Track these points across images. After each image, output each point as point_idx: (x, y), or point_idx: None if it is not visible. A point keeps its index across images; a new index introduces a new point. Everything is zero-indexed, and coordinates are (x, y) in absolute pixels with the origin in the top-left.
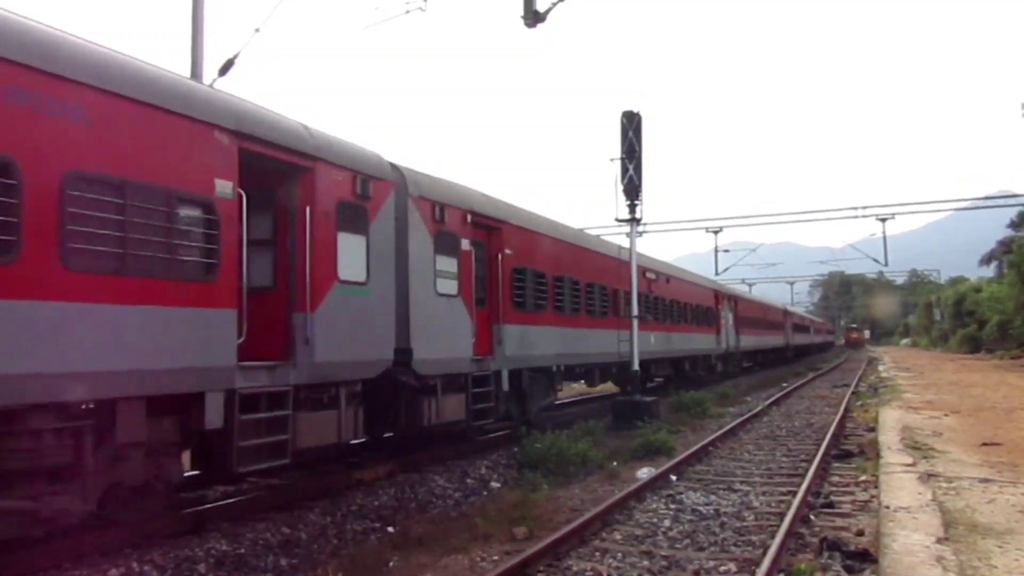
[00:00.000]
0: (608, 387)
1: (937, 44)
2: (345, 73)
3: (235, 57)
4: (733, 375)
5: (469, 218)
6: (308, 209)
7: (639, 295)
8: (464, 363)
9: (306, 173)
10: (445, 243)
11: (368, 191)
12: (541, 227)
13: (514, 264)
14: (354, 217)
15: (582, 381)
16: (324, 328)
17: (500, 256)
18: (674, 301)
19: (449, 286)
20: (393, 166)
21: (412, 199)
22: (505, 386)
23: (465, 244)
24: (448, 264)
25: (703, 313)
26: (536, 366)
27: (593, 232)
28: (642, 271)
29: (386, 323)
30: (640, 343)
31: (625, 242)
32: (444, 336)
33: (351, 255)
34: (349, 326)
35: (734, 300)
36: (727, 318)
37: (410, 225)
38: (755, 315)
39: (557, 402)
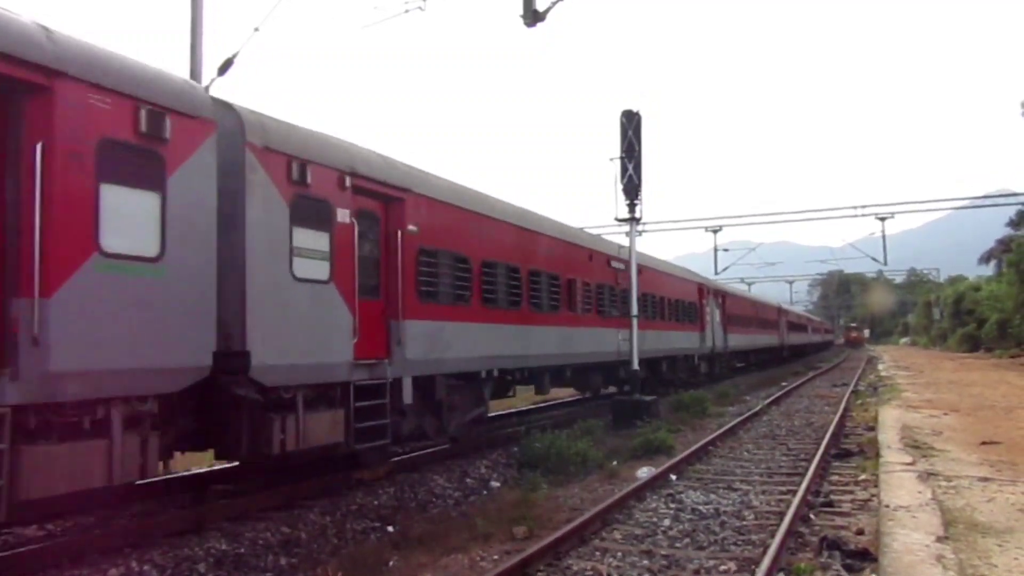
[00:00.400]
0: (564, 393)
1: (937, 43)
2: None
3: (234, 56)
4: (721, 378)
5: (349, 182)
6: (41, 146)
7: (604, 287)
8: (340, 370)
9: (40, 94)
10: (309, 212)
11: (164, 130)
12: (464, 201)
13: (422, 245)
14: (135, 164)
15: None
16: (69, 321)
17: (401, 234)
18: (648, 295)
19: (316, 269)
20: (221, 103)
21: (253, 150)
22: (408, 398)
23: (343, 215)
24: (315, 240)
25: (685, 309)
26: (456, 371)
27: (593, 232)
28: (606, 259)
29: (196, 315)
30: (602, 341)
31: (624, 241)
32: (306, 334)
33: (128, 218)
34: (124, 318)
35: (722, 296)
36: (713, 315)
37: (249, 184)
38: (746, 312)
39: (543, 405)
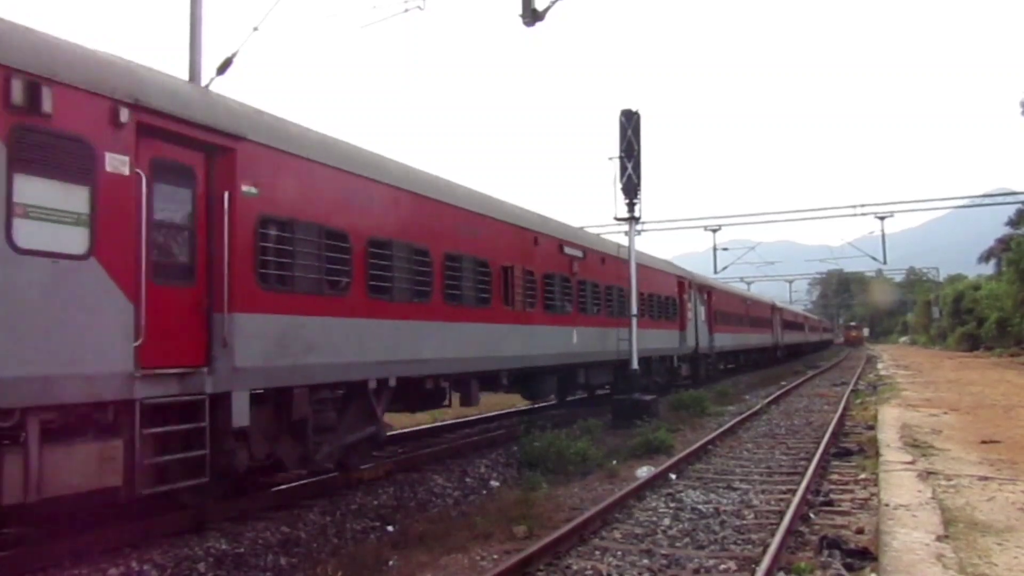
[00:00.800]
0: (504, 401)
1: (936, 42)
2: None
3: (233, 56)
4: (706, 381)
5: (128, 116)
6: None
7: (555, 277)
8: (109, 383)
9: None
10: (50, 154)
11: None
12: (335, 157)
13: (264, 212)
14: None
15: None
16: None
17: (229, 196)
18: (614, 288)
19: (62, 238)
20: None
21: None
22: (241, 419)
23: (117, 163)
24: (61, 197)
25: (660, 304)
26: (324, 381)
27: (593, 231)
28: (557, 244)
29: None
30: (552, 342)
31: (624, 240)
32: (34, 335)
33: None
34: None
35: (707, 291)
36: (697, 311)
37: None
38: (735, 309)
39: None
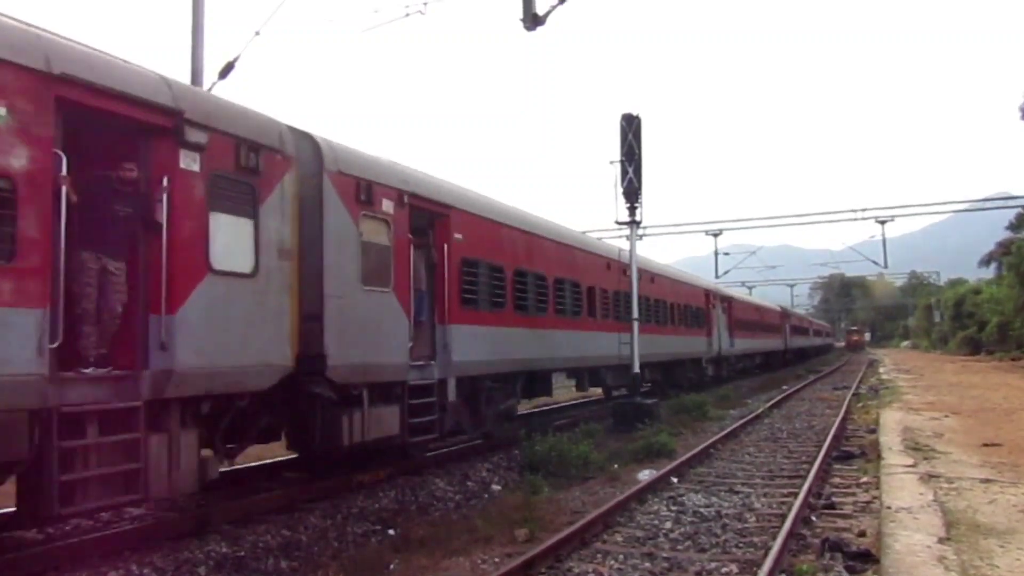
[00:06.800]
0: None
1: (936, 46)
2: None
3: (235, 60)
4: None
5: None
6: None
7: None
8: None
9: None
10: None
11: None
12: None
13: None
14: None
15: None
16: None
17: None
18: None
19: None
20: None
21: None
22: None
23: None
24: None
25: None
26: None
27: (594, 235)
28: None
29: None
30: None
31: (625, 244)
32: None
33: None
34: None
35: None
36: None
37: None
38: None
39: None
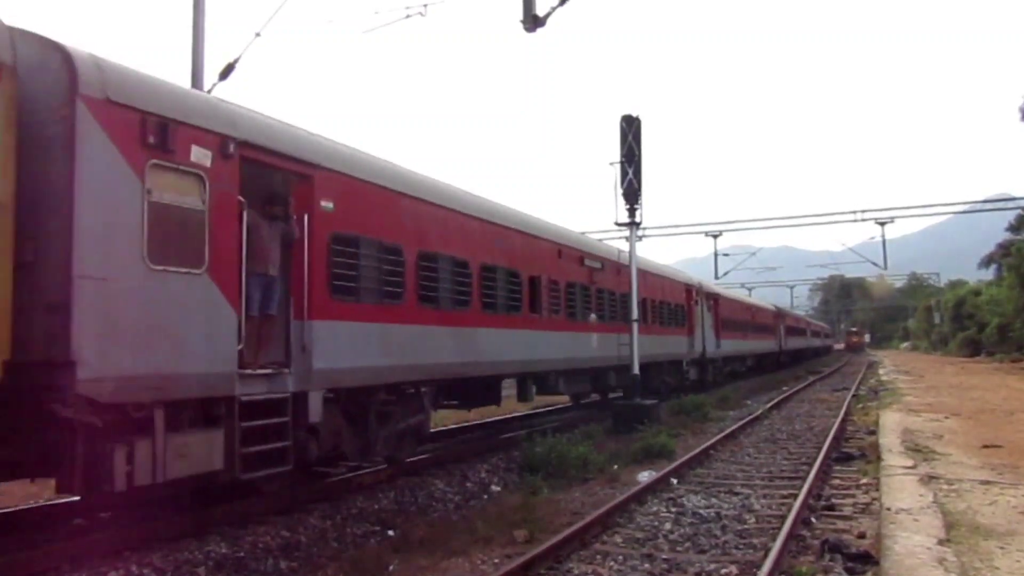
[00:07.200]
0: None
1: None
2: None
3: (235, 61)
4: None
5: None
6: None
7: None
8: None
9: None
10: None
11: None
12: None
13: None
14: None
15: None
16: None
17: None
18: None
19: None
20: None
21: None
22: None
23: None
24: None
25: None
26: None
27: (593, 237)
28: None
29: None
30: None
31: (625, 245)
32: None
33: None
34: None
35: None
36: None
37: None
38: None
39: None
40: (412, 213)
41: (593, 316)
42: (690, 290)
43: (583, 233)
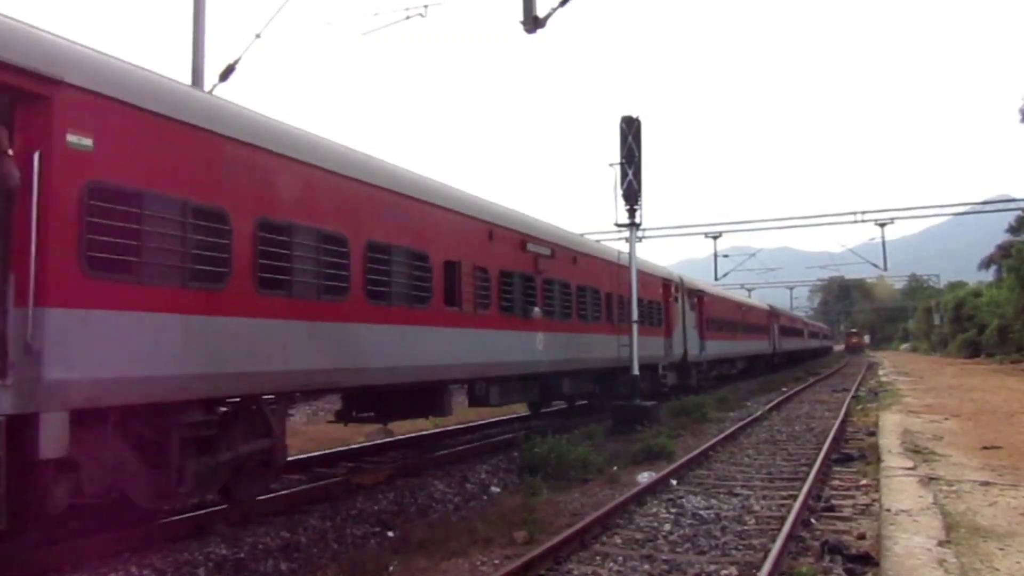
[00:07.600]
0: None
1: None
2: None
3: (236, 62)
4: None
5: None
6: None
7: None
8: None
9: None
10: None
11: None
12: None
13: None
14: None
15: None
16: None
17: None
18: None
19: None
20: None
21: None
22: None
23: None
24: None
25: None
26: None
27: (592, 237)
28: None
29: None
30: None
31: (625, 246)
32: None
33: None
34: None
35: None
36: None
37: None
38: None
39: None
40: (246, 165)
41: (537, 311)
42: (668, 285)
43: (582, 234)
